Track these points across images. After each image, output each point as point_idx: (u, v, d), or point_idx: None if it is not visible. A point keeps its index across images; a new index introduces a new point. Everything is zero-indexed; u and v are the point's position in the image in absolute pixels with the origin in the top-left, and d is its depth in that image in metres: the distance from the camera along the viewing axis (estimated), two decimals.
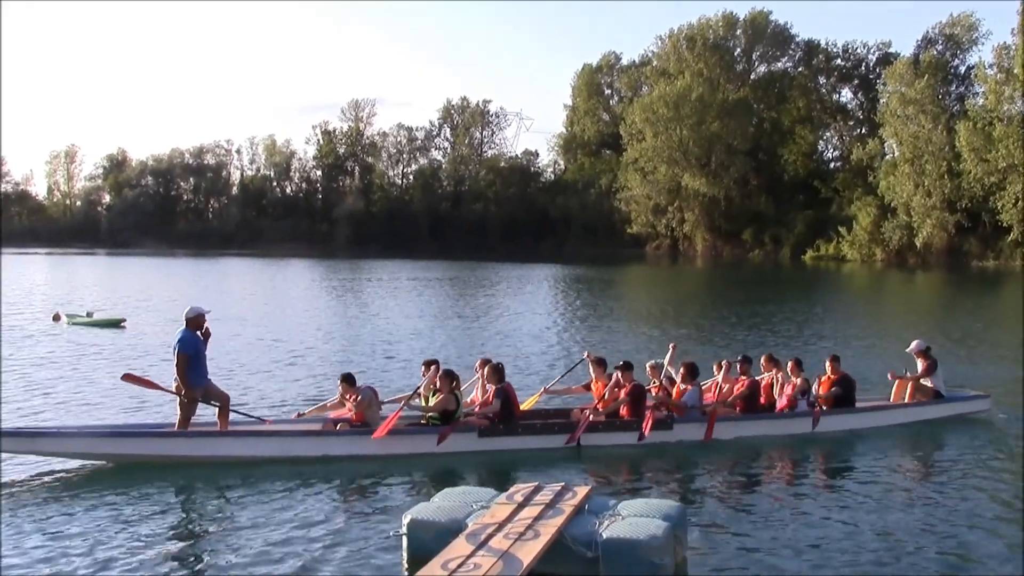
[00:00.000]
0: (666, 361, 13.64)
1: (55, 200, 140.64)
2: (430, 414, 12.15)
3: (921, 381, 14.51)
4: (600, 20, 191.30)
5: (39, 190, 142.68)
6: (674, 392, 13.18)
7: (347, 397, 12.37)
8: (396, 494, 10.35)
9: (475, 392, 13.06)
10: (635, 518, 7.85)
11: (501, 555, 7.10)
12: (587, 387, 13.67)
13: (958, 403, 14.60)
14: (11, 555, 8.28)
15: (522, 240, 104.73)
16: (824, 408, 13.57)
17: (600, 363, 13.47)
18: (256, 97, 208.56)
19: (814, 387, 13.78)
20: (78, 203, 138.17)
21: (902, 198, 77.78)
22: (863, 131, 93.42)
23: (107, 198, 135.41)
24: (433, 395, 12.29)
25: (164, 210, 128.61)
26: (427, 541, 7.72)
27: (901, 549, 8.59)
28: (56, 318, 29.03)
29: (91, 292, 41.71)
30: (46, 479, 10.82)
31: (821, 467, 12.25)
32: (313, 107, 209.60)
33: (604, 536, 7.57)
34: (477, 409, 12.48)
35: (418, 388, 12.59)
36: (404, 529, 8.01)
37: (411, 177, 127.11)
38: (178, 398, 11.83)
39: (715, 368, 13.99)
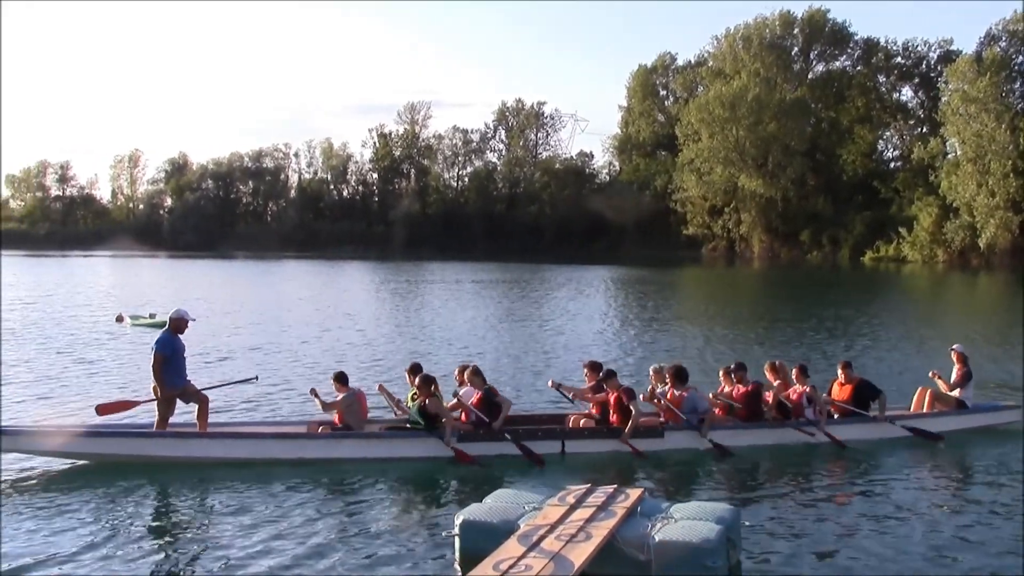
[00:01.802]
0: (648, 391, 13.19)
1: (119, 203, 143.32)
2: (413, 420, 12.02)
3: (948, 391, 13.90)
4: (655, 21, 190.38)
5: (103, 194, 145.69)
6: (668, 396, 12.72)
7: (338, 396, 12.42)
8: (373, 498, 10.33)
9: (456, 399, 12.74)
10: (688, 521, 7.82)
11: (553, 556, 7.12)
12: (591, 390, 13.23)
13: (985, 414, 13.92)
14: None
15: (576, 242, 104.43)
16: (835, 416, 13.15)
17: (595, 368, 13.16)
18: (314, 100, 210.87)
19: (825, 394, 13.31)
20: (141, 206, 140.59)
21: (964, 198, 76.22)
22: (924, 130, 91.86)
23: (169, 201, 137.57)
24: (414, 400, 12.18)
25: (224, 213, 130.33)
26: (479, 542, 7.75)
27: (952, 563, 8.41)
28: (119, 319, 29.61)
29: (153, 294, 42.45)
30: (27, 477, 11.02)
31: (866, 476, 11.68)
32: (369, 109, 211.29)
33: (656, 538, 7.56)
34: (463, 416, 12.22)
35: (402, 398, 12.70)
36: (456, 530, 8.07)
37: (466, 179, 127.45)
38: (157, 399, 11.99)
39: (722, 375, 13.48)
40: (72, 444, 11.44)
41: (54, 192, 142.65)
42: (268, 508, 9.82)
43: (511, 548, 7.33)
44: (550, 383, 13.61)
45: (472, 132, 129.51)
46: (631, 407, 12.20)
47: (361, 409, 12.29)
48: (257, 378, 13.75)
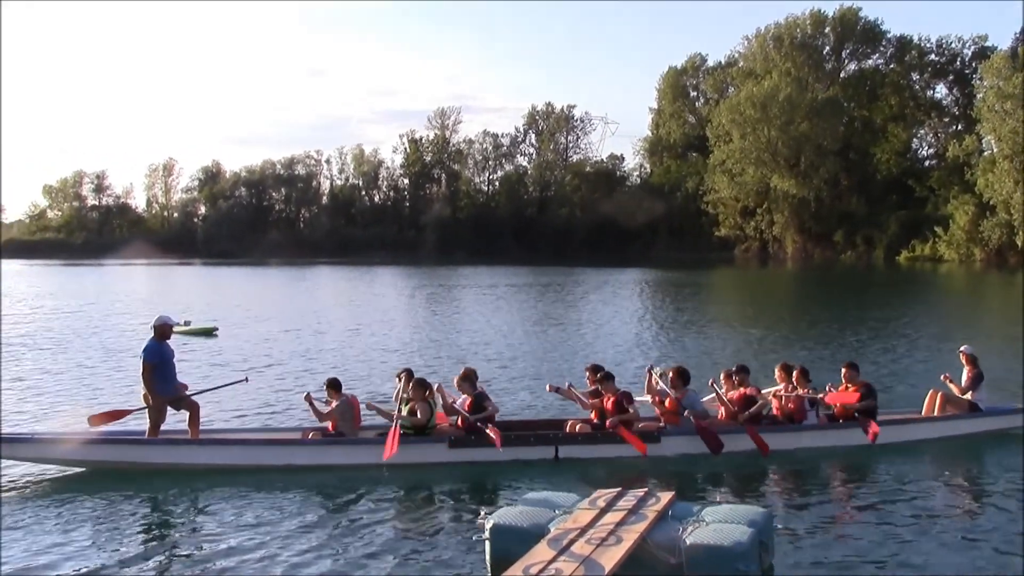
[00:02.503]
0: (645, 390, 13.04)
1: (154, 212, 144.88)
2: (404, 424, 11.83)
3: (962, 394, 13.45)
4: (685, 22, 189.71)
5: (139, 202, 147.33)
6: (667, 403, 12.54)
7: (331, 403, 12.38)
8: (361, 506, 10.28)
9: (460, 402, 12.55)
10: (720, 524, 7.76)
11: (583, 560, 7.09)
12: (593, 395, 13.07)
13: (999, 418, 13.43)
14: None
15: (608, 245, 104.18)
16: (840, 420, 12.78)
17: (595, 372, 13.01)
18: (345, 107, 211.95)
19: (827, 396, 12.89)
20: (175, 214, 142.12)
21: (1001, 195, 75.20)
22: (959, 127, 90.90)
23: (202, 209, 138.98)
24: (406, 405, 12.07)
25: (257, 220, 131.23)
26: (509, 545, 7.73)
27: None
28: None
29: (188, 301, 42.86)
30: (22, 484, 11.12)
31: (891, 481, 11.34)
32: (400, 115, 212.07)
33: (688, 542, 7.50)
34: (460, 420, 12.09)
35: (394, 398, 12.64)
36: (487, 533, 8.05)
37: (497, 183, 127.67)
38: (148, 407, 12.01)
39: (723, 378, 13.14)
40: (66, 452, 11.54)
41: (91, 201, 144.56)
42: (281, 515, 9.82)
43: (541, 552, 7.30)
44: (548, 387, 13.56)
45: (502, 136, 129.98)
46: (629, 410, 12.13)
47: (355, 416, 12.24)
48: (247, 379, 13.64)
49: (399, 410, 11.97)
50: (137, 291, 53.73)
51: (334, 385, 12.44)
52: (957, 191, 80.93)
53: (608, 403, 12.30)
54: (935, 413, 13.34)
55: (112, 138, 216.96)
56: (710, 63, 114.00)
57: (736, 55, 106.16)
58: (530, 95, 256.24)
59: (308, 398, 12.40)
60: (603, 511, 8.10)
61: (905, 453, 12.32)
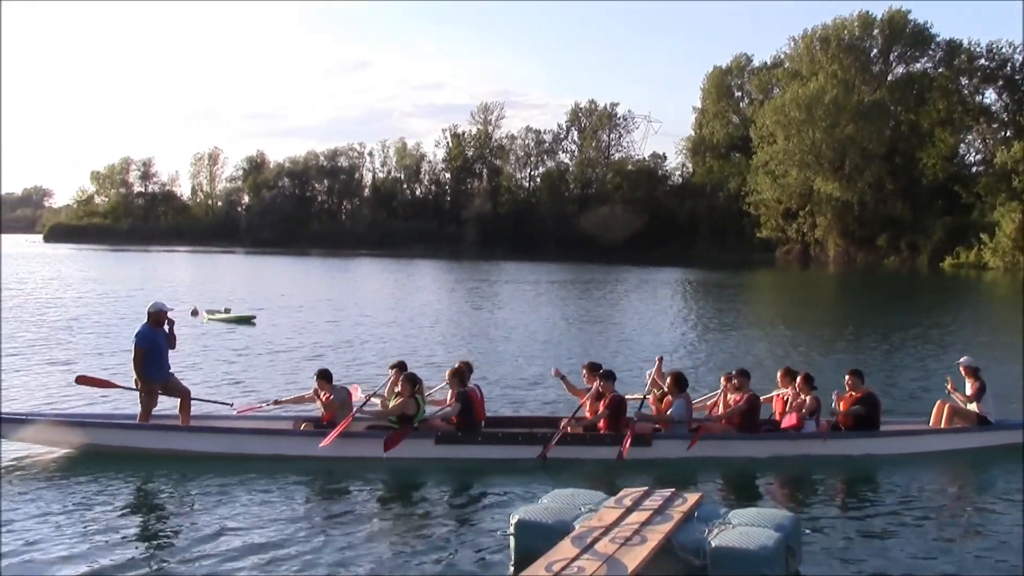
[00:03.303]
0: (652, 373, 13.01)
1: (198, 200, 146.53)
2: (390, 418, 11.87)
3: (966, 405, 13.03)
4: (731, 22, 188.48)
5: (184, 191, 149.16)
6: (663, 404, 12.51)
7: (322, 394, 12.38)
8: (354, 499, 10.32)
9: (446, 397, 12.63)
10: (746, 527, 7.75)
11: (606, 559, 7.11)
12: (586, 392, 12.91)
13: (1010, 431, 12.91)
14: None
15: (649, 244, 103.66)
16: (842, 428, 12.54)
17: (593, 370, 12.85)
18: (387, 100, 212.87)
19: (833, 405, 12.62)
20: (219, 203, 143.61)
21: None
22: (1007, 134, 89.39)
23: (246, 199, 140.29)
24: (395, 398, 12.09)
25: (299, 211, 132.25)
26: (534, 542, 7.76)
27: None
28: (194, 313, 30.33)
29: (230, 289, 43.34)
30: (12, 463, 11.31)
31: (915, 491, 11.07)
32: (443, 110, 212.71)
33: (713, 544, 7.50)
34: (439, 414, 12.13)
35: (373, 393, 12.65)
36: (511, 529, 8.10)
37: (538, 179, 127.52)
38: (139, 391, 12.20)
39: (723, 381, 12.91)
40: (56, 433, 11.73)
41: (137, 188, 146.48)
42: (265, 506, 9.85)
43: (565, 549, 7.33)
44: (554, 371, 13.54)
45: (545, 132, 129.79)
46: (623, 416, 12.05)
47: (351, 406, 12.25)
48: (232, 405, 13.51)
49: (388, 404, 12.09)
50: (182, 278, 54.42)
51: (325, 376, 12.50)
52: (1004, 198, 79.49)
53: (603, 403, 12.17)
54: (942, 425, 12.98)
55: (159, 126, 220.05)
56: (755, 63, 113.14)
57: (782, 56, 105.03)
58: (573, 92, 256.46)
59: (316, 393, 12.51)
60: (629, 510, 8.12)
61: (912, 464, 11.99)
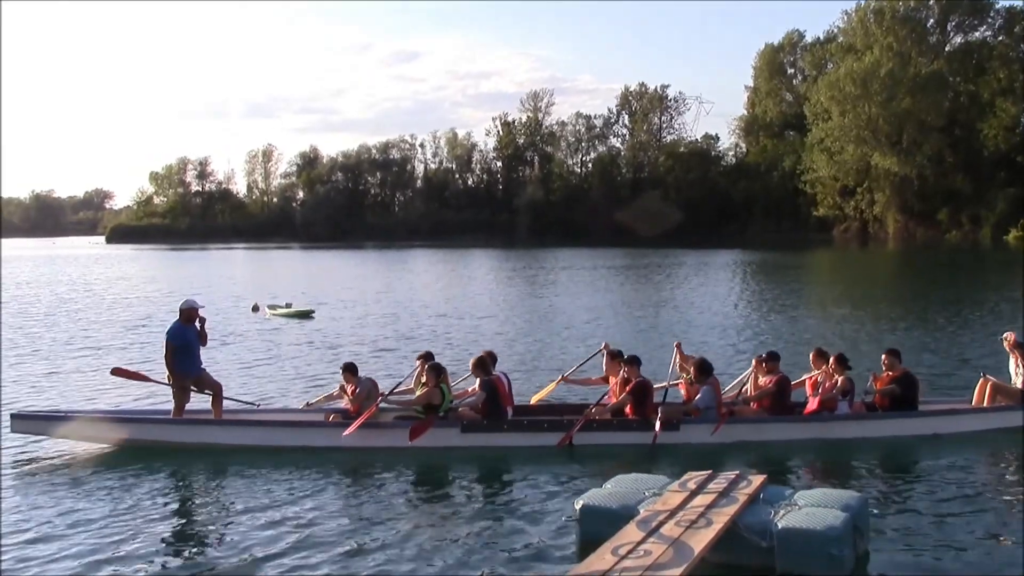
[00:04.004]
0: (673, 362, 12.92)
1: (254, 197, 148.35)
2: (416, 408, 11.94)
3: (1012, 381, 12.63)
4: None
5: (240, 188, 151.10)
6: (685, 393, 12.45)
7: (347, 387, 12.49)
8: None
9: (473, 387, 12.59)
10: (813, 508, 7.66)
11: (672, 542, 7.07)
12: (605, 379, 12.92)
13: None
14: (10, 533, 8.82)
15: (704, 226, 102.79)
16: (879, 409, 12.27)
17: (615, 356, 12.77)
18: (437, 91, 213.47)
19: (868, 384, 12.41)
20: (274, 199, 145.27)
21: None
22: None
23: (300, 194, 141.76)
24: (422, 388, 12.12)
25: (353, 204, 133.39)
26: (599, 526, 7.77)
27: None
28: (255, 308, 30.78)
29: (289, 284, 43.84)
30: (51, 460, 11.55)
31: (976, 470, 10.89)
32: (492, 98, 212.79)
33: (780, 526, 7.43)
34: (464, 403, 12.15)
35: (400, 383, 12.74)
36: (576, 514, 8.12)
37: (590, 165, 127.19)
38: (171, 387, 12.41)
39: (754, 364, 12.79)
40: (93, 429, 12.00)
41: (194, 188, 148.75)
42: (297, 496, 9.96)
43: (630, 533, 7.31)
44: (560, 379, 13.55)
45: (595, 118, 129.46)
46: (651, 398, 12.02)
47: (377, 397, 12.32)
48: (258, 405, 13.62)
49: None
50: (241, 275, 55.21)
51: (351, 369, 12.65)
52: None
53: (628, 386, 12.09)
54: (984, 403, 12.57)
55: (214, 126, 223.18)
56: (808, 39, 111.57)
57: (835, 30, 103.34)
58: (622, 76, 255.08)
59: (342, 388, 12.67)
60: (693, 493, 8.07)
61: (953, 445, 11.64)
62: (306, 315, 29.04)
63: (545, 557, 8.08)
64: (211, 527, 9.18)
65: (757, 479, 8.38)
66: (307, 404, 13.16)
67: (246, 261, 76.99)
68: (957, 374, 16.77)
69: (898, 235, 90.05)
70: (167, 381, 12.55)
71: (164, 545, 8.56)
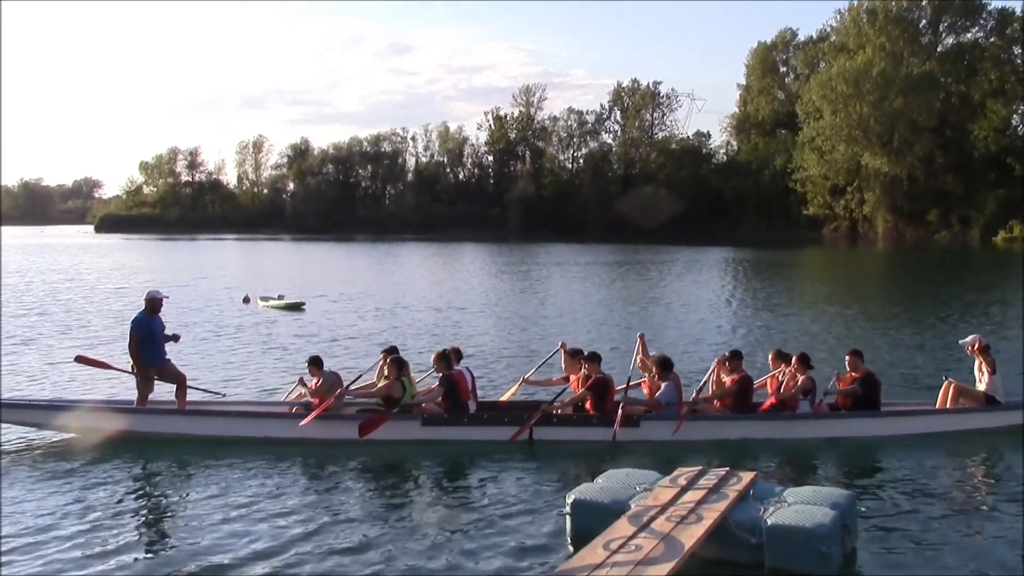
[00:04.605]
0: (634, 355, 12.86)
1: (244, 188, 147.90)
2: (377, 401, 12.00)
3: (976, 384, 12.66)
4: None
5: (230, 179, 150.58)
6: (648, 391, 12.39)
7: (313, 380, 12.56)
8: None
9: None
10: (802, 505, 7.75)
11: (663, 537, 7.15)
12: (566, 379, 12.88)
13: (1018, 411, 12.36)
14: None
15: (695, 223, 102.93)
16: (842, 409, 12.28)
17: (573, 354, 12.73)
18: (429, 84, 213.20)
19: (831, 384, 12.50)
20: (265, 191, 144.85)
21: None
22: None
23: (291, 186, 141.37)
24: (383, 382, 12.20)
25: (343, 196, 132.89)
26: (590, 521, 7.83)
27: None
28: (246, 300, 30.75)
29: (280, 276, 43.78)
30: (15, 447, 11.62)
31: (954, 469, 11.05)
32: (484, 93, 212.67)
33: (769, 522, 7.50)
34: (424, 398, 12.16)
35: (360, 375, 12.81)
36: (568, 509, 8.18)
37: (581, 161, 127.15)
38: (135, 377, 12.47)
39: (716, 364, 12.72)
40: (54, 418, 12.02)
41: (184, 178, 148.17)
42: (258, 487, 10.01)
43: (622, 528, 7.38)
44: (521, 381, 13.40)
45: (587, 113, 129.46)
46: (611, 394, 12.00)
47: (339, 390, 12.36)
48: (224, 395, 13.76)
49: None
50: (233, 266, 55.11)
51: (315, 362, 12.72)
52: None
53: (586, 382, 12.10)
54: (948, 405, 12.58)
55: (205, 116, 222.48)
56: (801, 38, 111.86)
57: (828, 29, 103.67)
58: (615, 72, 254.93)
59: (302, 381, 12.73)
60: (684, 489, 8.14)
61: (914, 446, 11.62)
62: (297, 307, 29.02)
63: (537, 550, 8.13)
64: (165, 518, 9.24)
65: (747, 476, 8.45)
66: (285, 401, 13.05)
67: (237, 252, 76.77)
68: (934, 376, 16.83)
69: (887, 235, 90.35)
70: (131, 370, 12.60)
71: (118, 536, 8.52)
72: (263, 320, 26.04)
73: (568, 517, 8.18)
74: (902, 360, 18.48)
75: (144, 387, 12.43)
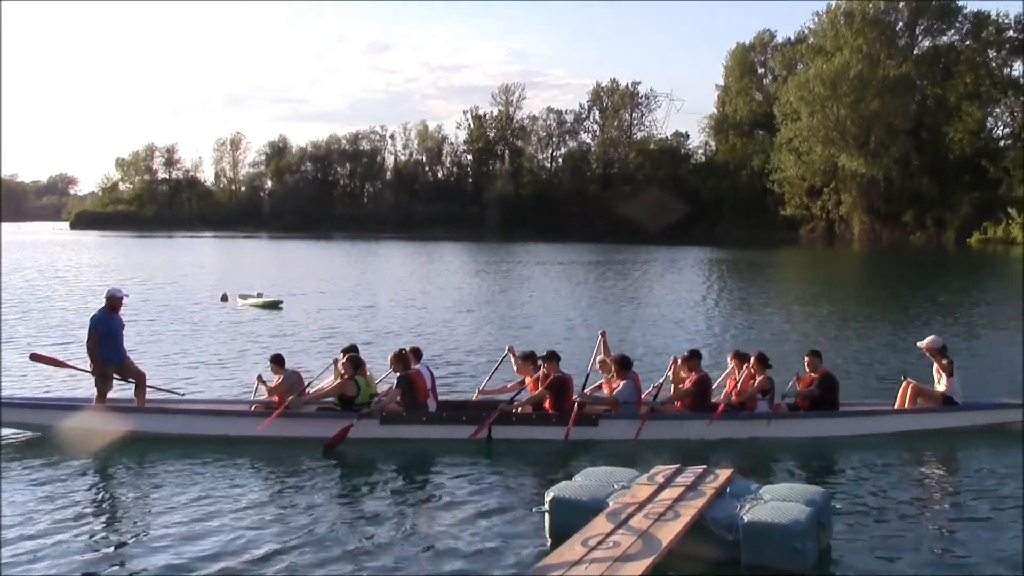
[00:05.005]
0: (594, 353, 12.92)
1: (222, 186, 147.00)
2: (333, 400, 12.03)
3: (935, 386, 12.75)
4: None
5: (207, 176, 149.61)
6: (607, 390, 12.35)
7: (274, 378, 12.58)
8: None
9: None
10: (778, 502, 7.81)
11: (641, 534, 7.21)
12: (521, 382, 12.86)
13: (979, 412, 12.57)
14: None
15: (673, 223, 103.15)
16: (801, 409, 12.34)
17: (526, 357, 12.79)
18: (408, 82, 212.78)
19: (790, 386, 12.61)
20: (243, 189, 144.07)
21: None
22: None
23: (269, 184, 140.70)
24: (339, 379, 12.24)
25: (322, 195, 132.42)
26: (569, 518, 7.87)
27: None
28: (224, 298, 30.63)
29: (256, 274, 43.61)
30: None
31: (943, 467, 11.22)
32: (463, 91, 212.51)
33: (745, 519, 7.57)
34: (381, 398, 12.17)
35: (321, 373, 12.90)
36: (547, 506, 8.22)
37: (560, 160, 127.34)
38: (93, 375, 12.43)
39: (671, 363, 12.80)
40: (18, 415, 12.01)
41: (161, 175, 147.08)
42: (218, 484, 10.03)
43: (600, 525, 7.44)
44: (477, 393, 13.14)
45: (566, 113, 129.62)
46: (570, 393, 12.02)
47: (302, 389, 12.40)
48: (184, 395, 13.78)
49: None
50: (211, 265, 54.83)
51: (277, 360, 12.73)
52: None
53: (545, 382, 12.14)
54: (906, 405, 12.67)
55: (182, 113, 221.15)
56: (779, 40, 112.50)
57: (806, 31, 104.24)
58: (595, 72, 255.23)
59: (260, 379, 12.74)
60: (661, 487, 8.21)
61: (872, 446, 11.70)
62: (274, 305, 28.94)
63: (514, 548, 8.15)
64: (119, 516, 9.20)
65: (724, 473, 8.53)
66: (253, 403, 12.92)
67: (214, 250, 76.31)
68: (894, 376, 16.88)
69: (864, 236, 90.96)
70: (89, 369, 12.54)
71: (74, 535, 8.46)
72: (241, 318, 25.96)
73: (547, 514, 8.21)
74: (871, 360, 18.64)
75: (103, 385, 12.38)
